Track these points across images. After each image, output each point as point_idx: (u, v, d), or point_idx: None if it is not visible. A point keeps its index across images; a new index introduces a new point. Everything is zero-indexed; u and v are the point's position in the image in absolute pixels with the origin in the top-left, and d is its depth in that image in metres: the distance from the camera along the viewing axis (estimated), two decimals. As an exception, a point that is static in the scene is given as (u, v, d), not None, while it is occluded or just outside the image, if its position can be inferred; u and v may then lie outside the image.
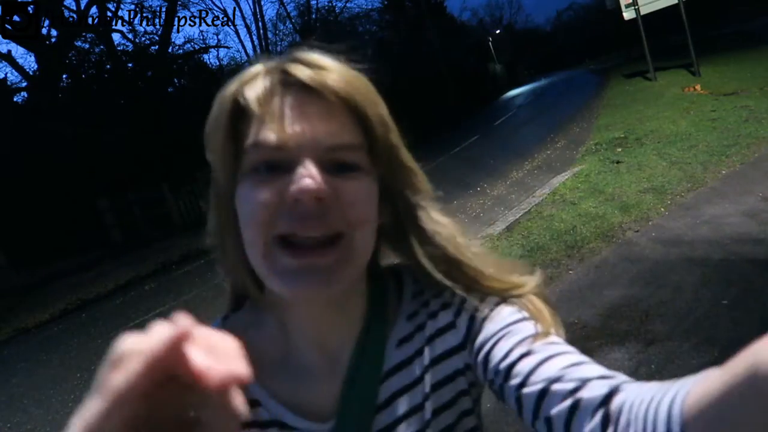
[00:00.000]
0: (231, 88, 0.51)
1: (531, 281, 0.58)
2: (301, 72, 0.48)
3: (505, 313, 0.55)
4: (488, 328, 0.54)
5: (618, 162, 6.35)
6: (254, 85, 0.49)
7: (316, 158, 0.48)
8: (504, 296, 0.57)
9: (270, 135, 0.47)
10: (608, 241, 4.08)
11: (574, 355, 0.48)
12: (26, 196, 12.16)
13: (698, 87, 10.15)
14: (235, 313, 0.62)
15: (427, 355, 0.57)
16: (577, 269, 3.74)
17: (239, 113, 0.49)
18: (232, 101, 0.49)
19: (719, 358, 2.35)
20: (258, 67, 0.51)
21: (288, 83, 0.49)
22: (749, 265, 3.11)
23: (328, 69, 0.49)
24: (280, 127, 0.47)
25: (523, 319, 0.53)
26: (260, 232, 0.48)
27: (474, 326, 0.56)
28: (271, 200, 0.47)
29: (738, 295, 2.82)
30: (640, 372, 2.38)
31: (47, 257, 11.67)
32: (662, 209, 4.46)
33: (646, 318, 2.83)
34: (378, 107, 0.51)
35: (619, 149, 7.03)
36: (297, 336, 0.57)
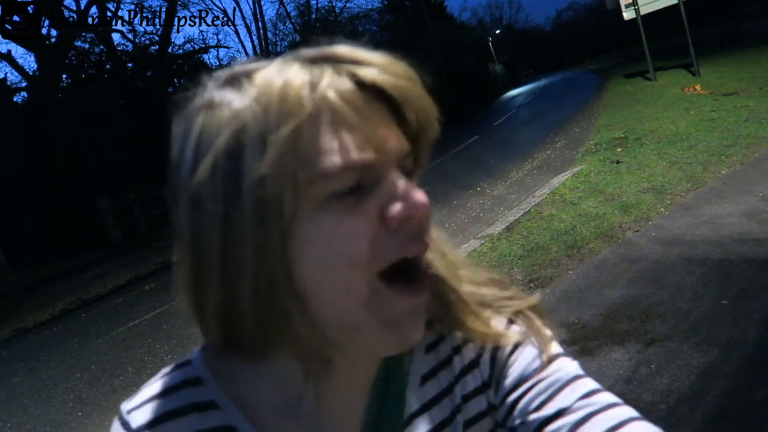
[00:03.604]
0: (282, 131, 0.36)
1: (525, 301, 0.53)
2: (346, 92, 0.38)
3: (530, 353, 0.50)
4: (514, 370, 0.49)
5: (618, 162, 6.35)
6: (298, 116, 0.36)
7: (398, 167, 0.40)
8: (489, 339, 0.51)
9: (356, 153, 0.37)
10: (608, 241, 4.08)
11: (616, 411, 0.43)
12: (26, 196, 12.17)
13: (698, 87, 10.16)
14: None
15: (458, 394, 0.51)
16: (577, 269, 3.74)
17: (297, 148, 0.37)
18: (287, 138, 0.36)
19: (719, 358, 2.35)
20: (303, 99, 0.37)
21: (343, 91, 0.38)
22: (749, 265, 3.11)
23: (394, 72, 0.40)
24: (366, 141, 0.37)
25: (552, 358, 0.49)
26: (363, 272, 0.38)
27: (497, 365, 0.51)
28: (372, 228, 0.38)
29: (738, 295, 2.82)
30: (640, 372, 2.37)
31: (47, 257, 11.67)
32: (662, 209, 4.46)
33: (646, 318, 2.83)
34: (433, 107, 0.44)
35: (619, 149, 7.03)
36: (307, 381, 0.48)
